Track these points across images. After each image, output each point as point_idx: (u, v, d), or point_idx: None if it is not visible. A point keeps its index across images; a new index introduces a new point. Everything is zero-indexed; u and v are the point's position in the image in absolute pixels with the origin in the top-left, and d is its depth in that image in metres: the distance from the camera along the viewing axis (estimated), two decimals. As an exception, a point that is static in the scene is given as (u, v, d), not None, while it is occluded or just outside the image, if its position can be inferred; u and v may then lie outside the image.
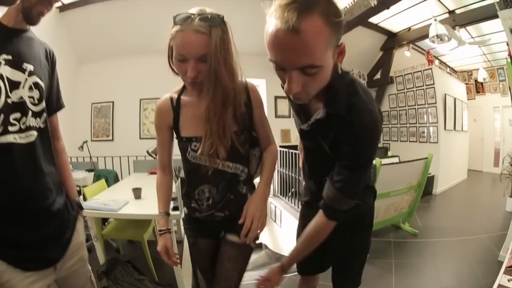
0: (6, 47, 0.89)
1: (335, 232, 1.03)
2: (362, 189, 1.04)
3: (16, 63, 0.90)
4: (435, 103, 5.34)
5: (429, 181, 5.02)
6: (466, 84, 7.04)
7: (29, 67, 0.94)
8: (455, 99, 5.77)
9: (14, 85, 0.89)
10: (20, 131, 0.90)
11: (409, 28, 5.63)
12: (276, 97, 5.73)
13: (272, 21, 0.71)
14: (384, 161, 2.87)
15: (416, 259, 2.82)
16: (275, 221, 4.64)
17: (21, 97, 0.91)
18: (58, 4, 4.07)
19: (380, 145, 6.43)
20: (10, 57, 0.89)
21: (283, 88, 0.81)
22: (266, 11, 0.74)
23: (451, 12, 4.66)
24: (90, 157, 4.28)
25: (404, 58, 5.83)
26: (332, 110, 0.90)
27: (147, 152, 2.79)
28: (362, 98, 0.90)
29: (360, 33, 3.57)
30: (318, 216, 1.02)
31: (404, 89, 6.03)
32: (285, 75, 0.77)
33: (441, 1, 4.48)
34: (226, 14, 1.01)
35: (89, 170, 4.16)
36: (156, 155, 2.67)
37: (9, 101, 0.87)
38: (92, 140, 4.88)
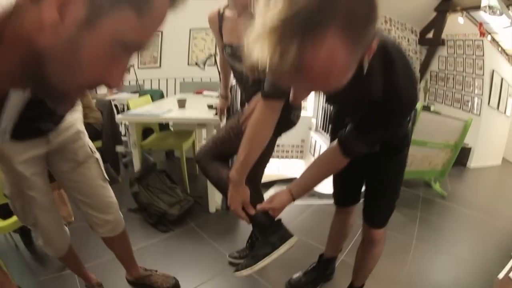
0: None
1: (369, 157, 1.01)
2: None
3: None
4: (483, 75, 5.19)
5: (465, 153, 4.93)
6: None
7: None
8: (502, 79, 5.52)
9: None
10: None
11: (464, -6, 5.39)
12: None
13: None
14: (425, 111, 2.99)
15: (439, 219, 2.81)
16: (313, 155, 4.60)
17: None
18: None
19: (425, 103, 6.19)
20: None
21: None
22: None
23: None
24: (137, 80, 4.33)
25: (457, 25, 5.64)
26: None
27: (196, 63, 2.95)
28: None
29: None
30: (333, 149, 0.97)
31: (454, 53, 5.87)
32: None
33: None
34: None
35: (134, 92, 4.20)
36: (204, 65, 2.79)
37: None
38: (138, 68, 4.87)
